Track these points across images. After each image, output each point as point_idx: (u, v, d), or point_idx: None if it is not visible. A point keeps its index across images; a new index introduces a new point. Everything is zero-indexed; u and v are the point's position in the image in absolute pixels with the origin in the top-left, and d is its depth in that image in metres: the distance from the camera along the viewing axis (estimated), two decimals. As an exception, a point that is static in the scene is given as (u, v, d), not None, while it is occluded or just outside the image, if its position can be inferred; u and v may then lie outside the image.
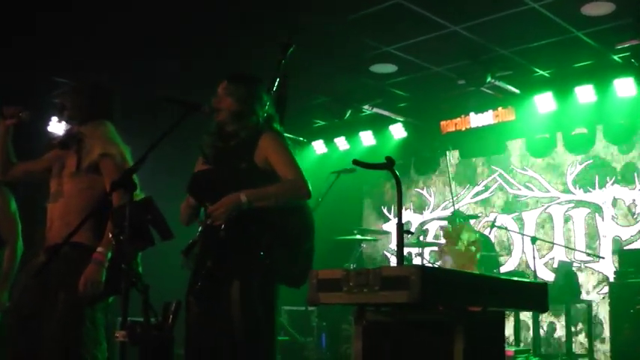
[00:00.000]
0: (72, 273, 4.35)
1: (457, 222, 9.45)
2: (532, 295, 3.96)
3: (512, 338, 9.35)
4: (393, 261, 11.64)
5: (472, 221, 10.61)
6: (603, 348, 9.39)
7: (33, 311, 4.42)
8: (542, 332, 9.76)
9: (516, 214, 10.94)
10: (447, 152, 11.26)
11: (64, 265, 4.38)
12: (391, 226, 12.09)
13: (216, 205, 4.03)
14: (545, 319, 9.94)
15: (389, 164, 3.96)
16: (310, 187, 4.17)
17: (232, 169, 4.19)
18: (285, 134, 4.45)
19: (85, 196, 4.52)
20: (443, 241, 9.12)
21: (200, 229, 4.20)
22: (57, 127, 9.80)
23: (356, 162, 4.20)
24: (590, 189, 10.24)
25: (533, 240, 9.18)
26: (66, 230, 4.27)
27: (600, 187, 10.14)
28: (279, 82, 4.63)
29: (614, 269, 9.23)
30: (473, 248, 8.59)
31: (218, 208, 4.02)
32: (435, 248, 9.78)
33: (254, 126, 4.25)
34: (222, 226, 4.02)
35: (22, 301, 4.51)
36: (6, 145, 4.85)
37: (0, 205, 5.89)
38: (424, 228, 11.87)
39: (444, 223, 10.75)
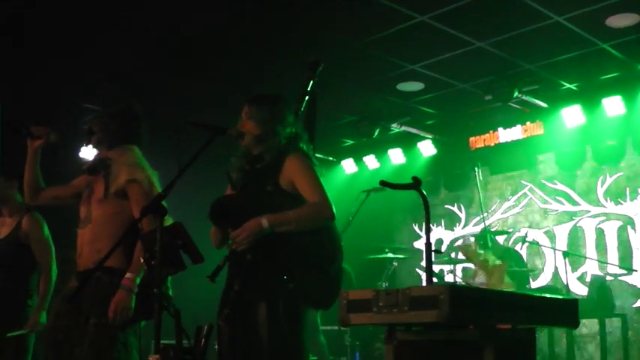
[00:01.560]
0: (103, 298, 4.40)
1: (487, 238, 9.44)
2: (563, 310, 3.94)
3: (546, 353, 9.31)
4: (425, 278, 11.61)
5: (502, 237, 10.62)
6: (639, 361, 9.31)
7: (66, 336, 4.47)
8: (576, 348, 9.69)
9: (547, 228, 10.89)
10: (477, 168, 11.21)
11: (96, 289, 4.42)
12: (422, 244, 12.02)
13: (237, 230, 4.04)
14: (579, 333, 9.86)
15: (416, 184, 3.96)
16: (334, 209, 4.13)
17: (258, 193, 4.21)
18: (316, 153, 4.43)
19: (114, 221, 4.55)
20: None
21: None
22: (88, 152, 9.90)
23: (383, 183, 4.20)
24: (622, 201, 10.17)
25: (565, 254, 9.15)
26: (96, 256, 4.33)
27: (632, 199, 10.07)
28: (308, 100, 4.63)
29: (648, 282, 9.18)
30: (498, 262, 8.62)
31: (240, 233, 4.03)
32: (467, 265, 9.77)
33: (277, 147, 4.25)
34: (248, 249, 4.06)
35: (56, 326, 4.54)
36: (35, 168, 4.88)
37: (34, 230, 6.01)
38: (455, 245, 11.85)
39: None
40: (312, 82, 4.67)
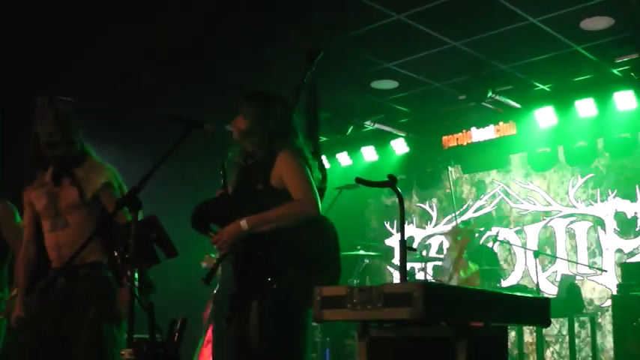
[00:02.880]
0: (97, 292, 4.41)
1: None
2: (534, 309, 3.98)
3: (515, 352, 9.38)
4: (396, 276, 11.65)
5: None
6: (607, 361, 9.41)
7: (55, 330, 4.43)
8: (545, 346, 9.76)
9: (518, 228, 10.97)
10: (449, 167, 11.28)
11: (91, 284, 4.43)
12: (394, 241, 12.10)
13: (217, 235, 4.05)
14: (549, 332, 9.94)
15: (391, 182, 3.97)
16: (319, 205, 4.08)
17: (248, 193, 4.19)
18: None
19: (90, 221, 4.52)
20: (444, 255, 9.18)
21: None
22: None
23: (359, 180, 4.20)
24: (592, 202, 10.26)
25: (536, 254, 9.21)
26: (82, 255, 4.29)
27: (602, 201, 10.17)
28: (306, 90, 4.57)
29: (617, 282, 9.25)
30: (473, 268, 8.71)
31: (220, 238, 4.04)
32: (438, 263, 9.82)
33: (266, 143, 4.21)
34: (239, 252, 4.05)
35: (42, 319, 4.48)
36: None
37: (6, 217, 5.98)
38: (427, 243, 11.90)
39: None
40: (308, 72, 4.62)
